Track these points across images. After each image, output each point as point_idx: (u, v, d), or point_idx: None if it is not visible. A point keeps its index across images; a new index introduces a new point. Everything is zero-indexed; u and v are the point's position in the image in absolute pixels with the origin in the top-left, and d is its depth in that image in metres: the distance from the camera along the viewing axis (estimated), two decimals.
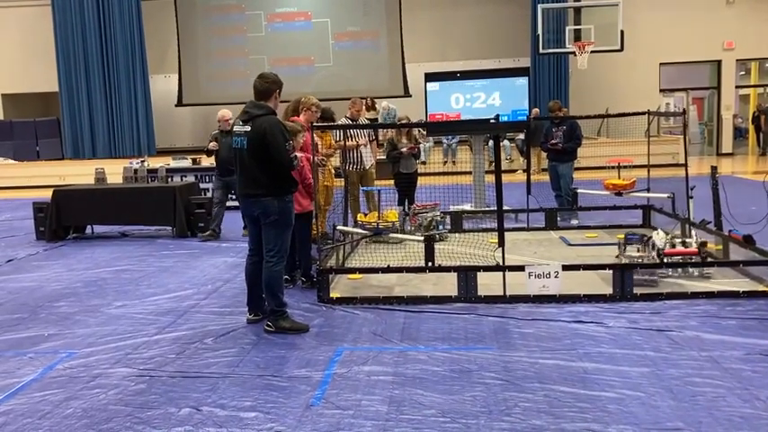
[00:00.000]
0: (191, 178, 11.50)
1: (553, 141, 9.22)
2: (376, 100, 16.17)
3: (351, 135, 8.33)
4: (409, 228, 7.74)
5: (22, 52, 20.31)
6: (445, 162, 16.75)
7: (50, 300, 6.17)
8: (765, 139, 20.05)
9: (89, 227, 9.89)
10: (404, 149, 8.85)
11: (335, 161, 8.34)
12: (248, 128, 4.87)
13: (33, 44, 20.13)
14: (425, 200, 8.69)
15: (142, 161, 12.78)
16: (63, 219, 9.44)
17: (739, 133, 22.63)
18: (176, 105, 19.93)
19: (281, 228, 4.96)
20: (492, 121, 6.00)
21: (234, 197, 11.75)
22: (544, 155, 15.76)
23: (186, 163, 12.44)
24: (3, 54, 20.40)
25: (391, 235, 7.39)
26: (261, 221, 4.97)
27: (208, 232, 9.03)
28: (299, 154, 5.20)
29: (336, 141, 8.10)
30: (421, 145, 10.10)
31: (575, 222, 8.92)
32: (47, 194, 9.92)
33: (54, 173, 17.28)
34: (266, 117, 4.88)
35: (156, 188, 9.83)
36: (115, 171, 11.59)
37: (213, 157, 9.21)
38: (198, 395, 3.88)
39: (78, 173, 15.46)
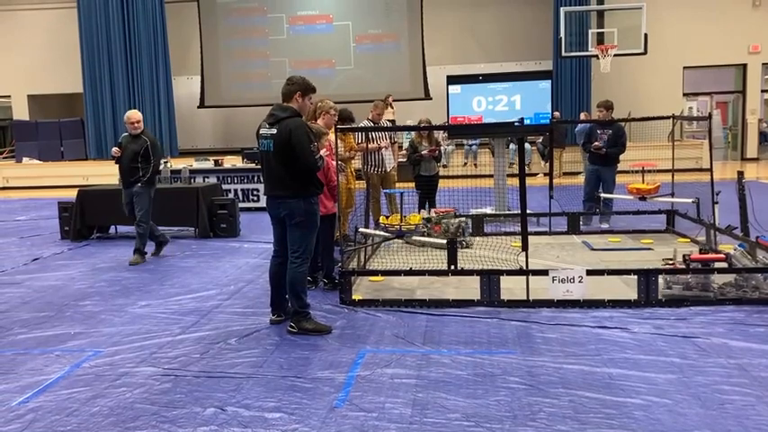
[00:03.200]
0: (213, 179, 11.59)
1: (597, 144, 8.92)
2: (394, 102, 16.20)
3: (372, 137, 8.34)
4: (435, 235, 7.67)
5: (47, 54, 20.62)
6: (465, 164, 16.73)
7: (76, 298, 6.25)
8: None
9: (113, 227, 10.00)
10: (424, 152, 8.85)
11: (357, 163, 8.36)
12: (274, 130, 4.91)
13: (58, 46, 20.45)
14: (446, 203, 8.67)
15: (165, 162, 12.91)
16: (87, 218, 9.57)
17: (764, 138, 22.31)
18: (198, 107, 20.11)
19: (306, 229, 4.98)
20: (516, 124, 5.96)
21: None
22: (565, 159, 15.81)
23: (209, 164, 12.55)
24: (28, 56, 20.73)
25: (414, 238, 7.38)
26: (286, 222, 5.00)
27: (134, 257, 7.82)
28: (323, 155, 5.22)
29: (358, 144, 8.12)
30: (442, 148, 10.08)
31: (605, 226, 8.82)
32: (71, 194, 10.03)
33: (78, 173, 17.52)
34: (291, 119, 4.92)
35: (178, 189, 9.90)
36: None
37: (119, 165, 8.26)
38: (222, 395, 3.90)
39: (102, 173, 15.66)
